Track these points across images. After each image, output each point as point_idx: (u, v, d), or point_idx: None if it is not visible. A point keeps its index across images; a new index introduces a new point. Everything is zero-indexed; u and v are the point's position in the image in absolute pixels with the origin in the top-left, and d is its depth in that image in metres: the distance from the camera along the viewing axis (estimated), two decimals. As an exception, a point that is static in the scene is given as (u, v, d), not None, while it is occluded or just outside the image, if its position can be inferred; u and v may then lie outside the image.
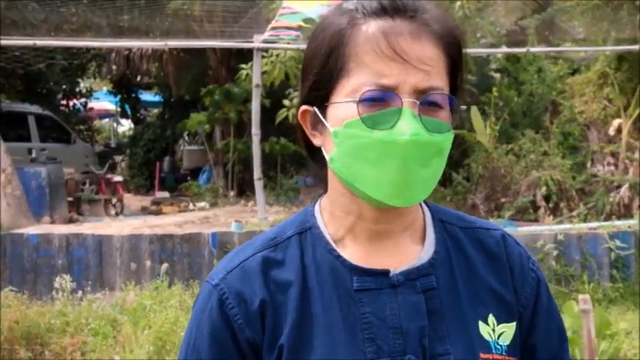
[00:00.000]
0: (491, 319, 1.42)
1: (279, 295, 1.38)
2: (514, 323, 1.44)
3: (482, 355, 1.39)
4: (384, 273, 1.38)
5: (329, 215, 1.44)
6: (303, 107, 1.43)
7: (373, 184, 1.33)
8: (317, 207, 1.47)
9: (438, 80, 1.35)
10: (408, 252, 1.42)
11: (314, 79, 1.40)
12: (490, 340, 1.41)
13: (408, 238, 1.44)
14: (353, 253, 1.41)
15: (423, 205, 1.49)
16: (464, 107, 1.43)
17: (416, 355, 1.34)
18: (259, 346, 1.37)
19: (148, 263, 8.95)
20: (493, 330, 1.41)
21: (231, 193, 15.41)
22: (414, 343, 1.35)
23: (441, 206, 1.53)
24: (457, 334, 1.38)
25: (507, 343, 1.42)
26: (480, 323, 1.41)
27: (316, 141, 1.43)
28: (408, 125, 1.30)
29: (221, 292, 1.40)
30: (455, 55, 1.39)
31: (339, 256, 1.40)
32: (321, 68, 1.39)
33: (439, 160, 1.36)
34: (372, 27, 1.35)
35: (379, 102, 1.33)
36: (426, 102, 1.33)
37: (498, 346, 1.41)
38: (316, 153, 1.45)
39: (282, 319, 1.37)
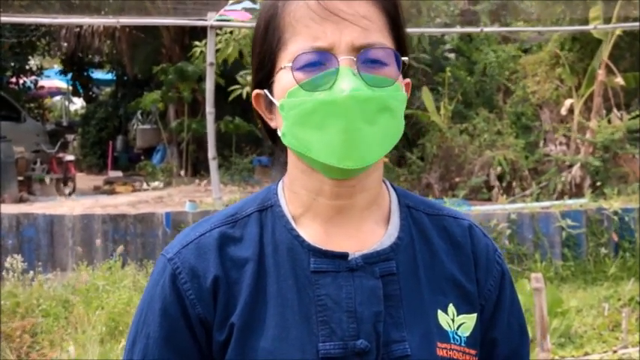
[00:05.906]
0: (451, 308, 1.39)
1: (234, 272, 1.35)
2: (475, 315, 1.41)
3: (439, 345, 1.35)
4: (343, 256, 1.35)
5: (290, 193, 1.41)
6: (255, 92, 1.39)
7: (323, 149, 1.29)
8: (280, 185, 1.43)
9: (377, 36, 1.32)
10: (370, 234, 1.39)
11: (257, 59, 1.38)
12: (449, 329, 1.38)
13: (371, 218, 1.40)
14: (313, 233, 1.37)
15: (390, 188, 1.46)
16: (406, 59, 1.37)
17: (369, 340, 1.31)
18: (210, 324, 1.34)
19: (101, 243, 8.85)
20: (453, 320, 1.38)
21: (186, 173, 15.30)
22: (368, 328, 1.32)
23: (410, 192, 1.50)
24: (415, 321, 1.35)
25: (467, 334, 1.39)
26: (439, 312, 1.38)
27: (272, 124, 1.39)
28: (346, 82, 1.27)
29: (174, 266, 1.36)
30: (392, 12, 1.35)
31: (297, 236, 1.36)
32: (261, 46, 1.36)
33: (388, 117, 1.32)
34: None
35: (317, 66, 1.29)
36: (366, 59, 1.30)
37: (457, 337, 1.38)
38: (277, 137, 1.40)
39: (236, 296, 1.34)
